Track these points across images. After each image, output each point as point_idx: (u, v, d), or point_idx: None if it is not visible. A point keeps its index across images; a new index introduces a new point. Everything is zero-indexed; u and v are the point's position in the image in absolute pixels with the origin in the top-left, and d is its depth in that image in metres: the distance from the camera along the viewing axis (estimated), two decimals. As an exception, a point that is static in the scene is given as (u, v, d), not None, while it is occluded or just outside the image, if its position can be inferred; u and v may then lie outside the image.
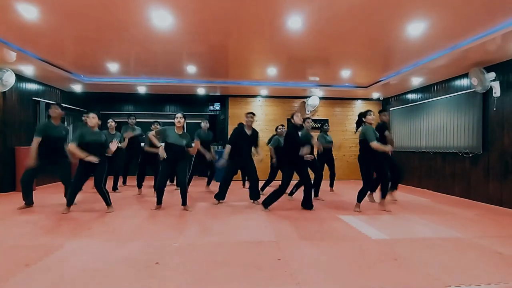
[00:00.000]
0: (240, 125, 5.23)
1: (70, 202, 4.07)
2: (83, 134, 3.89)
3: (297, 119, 4.34)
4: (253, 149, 4.89)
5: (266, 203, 4.32)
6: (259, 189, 5.00)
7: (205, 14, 3.55)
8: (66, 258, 2.45)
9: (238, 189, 6.26)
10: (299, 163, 4.25)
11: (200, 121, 8.66)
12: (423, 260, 2.48)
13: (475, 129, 5.29)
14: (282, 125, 5.87)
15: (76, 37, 4.26)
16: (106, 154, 4.15)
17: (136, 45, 4.60)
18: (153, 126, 5.73)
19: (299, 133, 4.39)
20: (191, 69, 5.95)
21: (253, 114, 4.84)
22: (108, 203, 4.12)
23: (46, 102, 6.56)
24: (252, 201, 4.87)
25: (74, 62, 5.61)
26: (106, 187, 4.17)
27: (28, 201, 4.29)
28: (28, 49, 4.75)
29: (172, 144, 4.14)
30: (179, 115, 4.19)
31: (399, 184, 5.42)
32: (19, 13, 3.45)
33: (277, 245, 2.83)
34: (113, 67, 5.80)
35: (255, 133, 4.89)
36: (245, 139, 4.74)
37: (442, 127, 6.08)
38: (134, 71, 6.22)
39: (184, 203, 4.28)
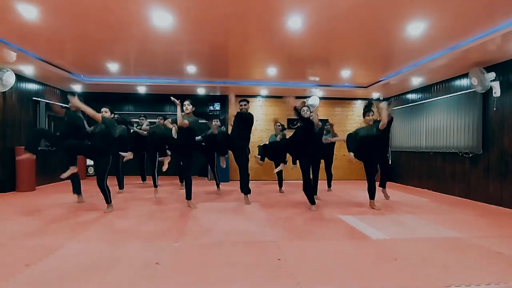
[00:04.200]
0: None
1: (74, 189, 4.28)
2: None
3: (303, 113, 4.35)
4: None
5: (311, 202, 4.39)
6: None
7: (205, 14, 3.55)
8: (66, 258, 2.45)
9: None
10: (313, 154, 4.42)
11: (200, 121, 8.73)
12: (423, 260, 2.48)
13: (475, 129, 5.29)
14: (282, 124, 6.06)
15: (76, 37, 4.26)
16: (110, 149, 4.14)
17: (136, 45, 4.60)
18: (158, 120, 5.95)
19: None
20: (191, 69, 5.95)
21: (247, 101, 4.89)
22: (107, 201, 4.08)
23: (46, 102, 6.56)
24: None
25: (74, 62, 5.61)
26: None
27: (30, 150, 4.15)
28: (28, 49, 4.75)
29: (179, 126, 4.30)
30: (186, 102, 4.36)
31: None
32: (19, 13, 3.45)
33: (277, 245, 2.83)
34: (113, 67, 5.80)
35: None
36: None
37: (442, 127, 6.08)
38: (134, 71, 6.22)
39: (187, 197, 4.37)
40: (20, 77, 5.84)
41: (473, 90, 5.22)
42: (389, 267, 2.35)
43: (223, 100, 8.39)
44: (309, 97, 8.07)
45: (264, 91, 7.84)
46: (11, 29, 3.94)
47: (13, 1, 3.19)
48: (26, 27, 3.86)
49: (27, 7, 3.33)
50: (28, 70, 5.64)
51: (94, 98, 8.02)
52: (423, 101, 6.68)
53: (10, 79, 5.34)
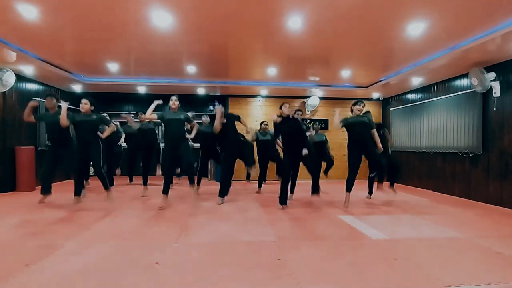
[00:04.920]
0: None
1: (76, 191, 4.16)
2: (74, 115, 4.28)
3: (285, 110, 4.43)
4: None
5: (283, 200, 4.39)
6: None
7: (205, 14, 3.55)
8: (66, 258, 2.45)
9: (238, 189, 6.26)
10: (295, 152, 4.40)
11: (200, 121, 8.74)
12: (423, 260, 2.48)
13: (475, 129, 5.29)
14: (267, 123, 6.04)
15: (76, 37, 4.26)
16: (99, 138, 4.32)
17: (136, 45, 4.60)
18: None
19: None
20: (191, 69, 5.95)
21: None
22: (106, 186, 4.11)
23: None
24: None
25: (74, 62, 5.61)
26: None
27: (44, 191, 4.52)
28: (28, 49, 4.74)
29: (170, 119, 4.23)
30: (173, 97, 4.31)
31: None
32: (19, 13, 3.45)
33: (277, 245, 2.83)
34: (113, 67, 5.80)
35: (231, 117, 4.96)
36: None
37: (442, 127, 6.08)
38: (134, 71, 6.22)
39: (191, 181, 4.31)
40: (20, 77, 5.83)
41: (473, 90, 5.22)
42: (389, 267, 2.35)
43: (223, 100, 8.39)
44: (309, 97, 8.08)
45: (264, 91, 7.84)
46: (11, 29, 3.94)
47: (13, 1, 3.19)
48: (26, 27, 3.86)
49: (27, 7, 3.33)
50: (28, 70, 5.63)
51: (94, 98, 8.02)
52: (423, 101, 6.67)
53: (10, 79, 5.34)
